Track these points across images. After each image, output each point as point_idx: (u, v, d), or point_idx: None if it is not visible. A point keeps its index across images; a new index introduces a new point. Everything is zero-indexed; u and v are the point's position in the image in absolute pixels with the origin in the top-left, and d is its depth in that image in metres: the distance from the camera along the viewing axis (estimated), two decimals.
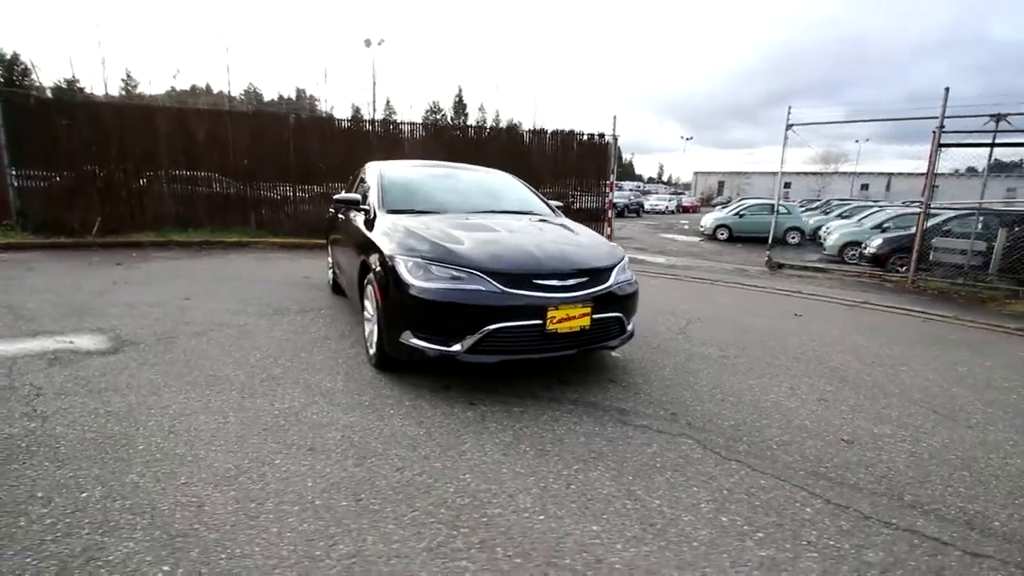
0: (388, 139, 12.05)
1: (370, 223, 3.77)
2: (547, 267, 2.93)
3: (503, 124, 11.33)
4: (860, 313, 6.05)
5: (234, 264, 7.70)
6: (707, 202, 52.44)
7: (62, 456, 2.21)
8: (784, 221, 16.60)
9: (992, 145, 8.33)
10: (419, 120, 10.42)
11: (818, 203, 27.55)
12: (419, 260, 2.89)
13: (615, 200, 14.06)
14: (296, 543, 1.73)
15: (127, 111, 10.57)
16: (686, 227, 22.03)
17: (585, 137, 12.35)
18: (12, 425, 2.47)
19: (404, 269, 2.90)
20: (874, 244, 10.76)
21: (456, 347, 2.79)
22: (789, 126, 10.17)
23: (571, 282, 2.94)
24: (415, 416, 2.72)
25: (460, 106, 61.97)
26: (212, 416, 2.65)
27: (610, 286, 3.08)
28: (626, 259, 3.41)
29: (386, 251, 3.08)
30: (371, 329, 3.46)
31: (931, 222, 10.56)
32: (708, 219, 18.37)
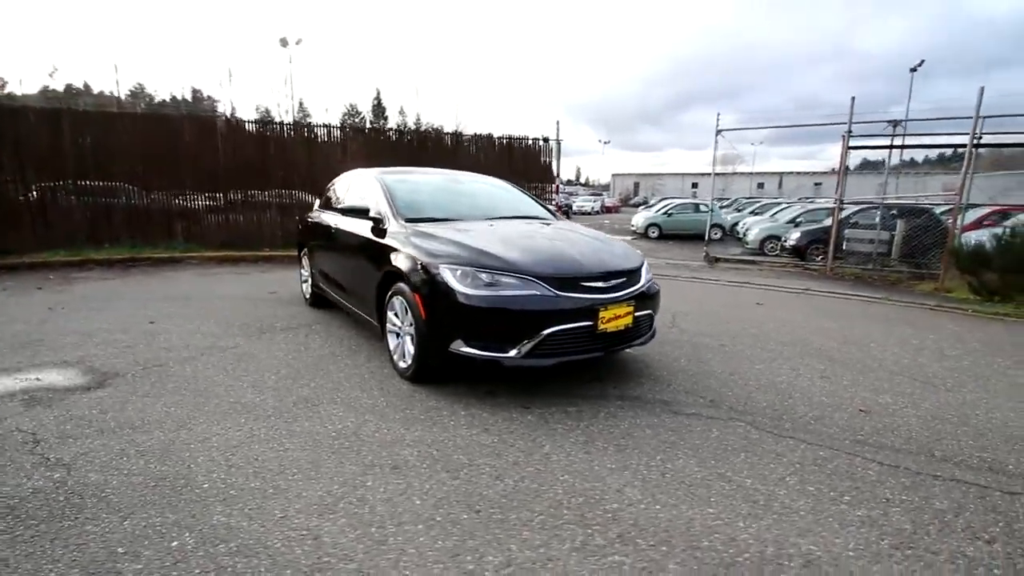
0: (328, 144, 11.56)
1: (380, 232, 3.66)
2: (591, 270, 3.03)
3: (429, 128, 11.17)
4: (809, 299, 6.75)
5: (177, 282, 7.04)
6: (626, 202, 55.26)
7: (119, 505, 1.97)
8: (707, 218, 17.97)
9: (890, 147, 9.64)
10: (336, 123, 10.03)
11: (727, 201, 30.00)
12: (467, 268, 2.87)
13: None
14: (443, 560, 1.69)
15: (22, 114, 9.25)
16: (615, 227, 23.08)
17: (530, 141, 12.61)
18: (32, 478, 2.15)
19: (452, 278, 2.87)
20: (793, 237, 11.96)
21: (512, 352, 2.81)
22: (719, 131, 11.06)
23: (613, 283, 3.07)
24: (478, 424, 2.71)
25: (379, 109, 60.36)
26: (266, 445, 2.47)
27: (643, 285, 3.25)
28: (646, 260, 3.60)
29: (426, 260, 3.02)
30: (399, 342, 3.37)
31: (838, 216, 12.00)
32: (639, 218, 19.41)
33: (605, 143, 67.96)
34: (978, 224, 10.92)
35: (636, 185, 63.93)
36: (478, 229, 3.48)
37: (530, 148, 12.60)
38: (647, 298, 3.24)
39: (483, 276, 2.85)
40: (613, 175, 66.82)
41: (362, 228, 3.92)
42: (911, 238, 9.64)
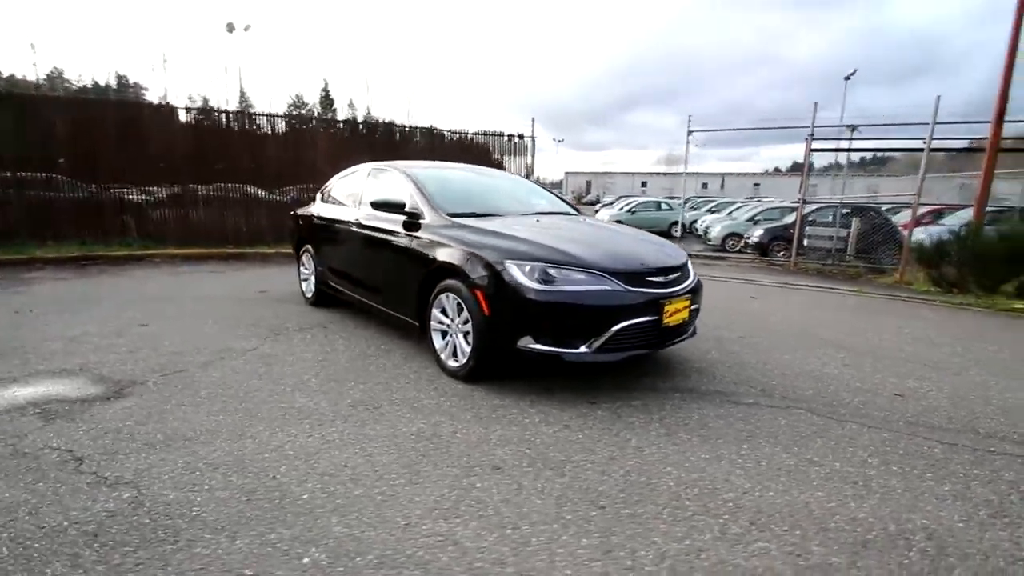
0: (296, 136, 11.05)
1: (414, 226, 3.55)
2: (653, 264, 3.06)
3: (396, 123, 10.75)
4: (792, 293, 7.14)
5: (149, 281, 6.52)
6: (579, 200, 56.24)
7: (219, 523, 1.80)
8: (668, 216, 18.62)
9: (849, 150, 10.36)
10: (282, 113, 9.44)
11: (679, 200, 31.15)
12: (537, 264, 2.83)
13: None
14: (597, 557, 1.66)
15: None
16: None
17: (506, 138, 12.59)
18: (97, 500, 1.93)
19: (521, 274, 2.82)
20: (756, 234, 12.59)
21: (583, 348, 2.80)
22: (690, 132, 11.47)
23: (672, 277, 3.12)
24: (555, 421, 2.68)
25: (327, 101, 58.21)
26: (346, 450, 2.34)
27: (694, 280, 3.32)
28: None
29: (488, 256, 2.95)
30: (447, 341, 3.28)
31: (792, 216, 12.80)
32: (603, 216, 19.82)
33: (559, 141, 68.85)
34: (917, 222, 11.97)
35: (588, 183, 65.17)
36: (526, 224, 3.44)
37: (506, 144, 12.57)
38: (696, 293, 3.32)
39: (553, 272, 2.82)
40: (566, 173, 67.81)
41: (391, 224, 3.78)
42: (865, 235, 10.41)
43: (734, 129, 11.55)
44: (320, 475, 2.13)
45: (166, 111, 10.54)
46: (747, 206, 17.39)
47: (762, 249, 12.30)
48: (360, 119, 11.46)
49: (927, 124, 7.91)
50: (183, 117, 10.32)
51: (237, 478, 2.10)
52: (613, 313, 2.79)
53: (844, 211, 11.24)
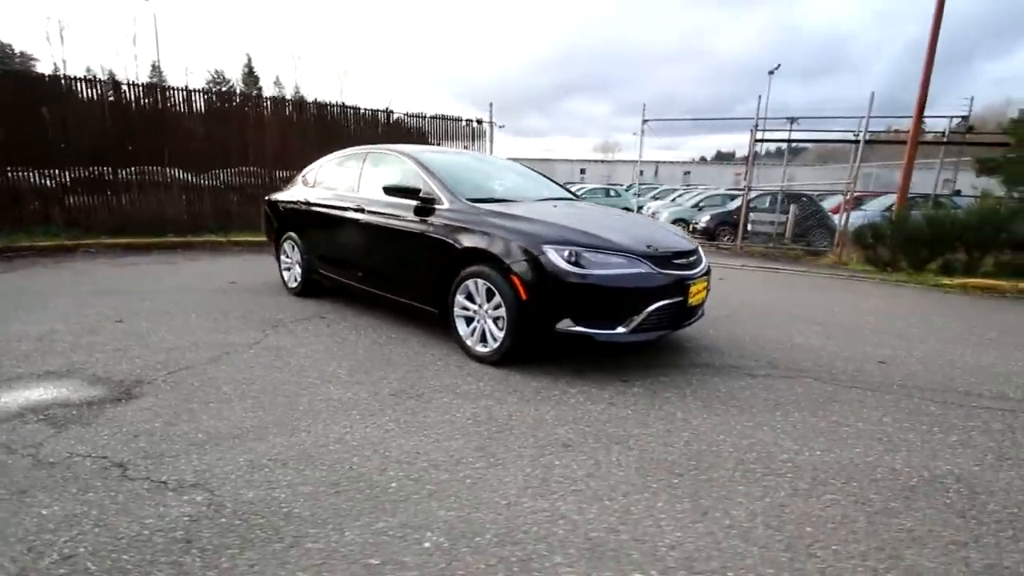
0: (229, 115, 10.27)
1: (427, 211, 3.51)
2: (675, 248, 3.22)
3: (308, 99, 10.25)
4: (752, 274, 7.66)
5: (95, 275, 5.96)
6: None
7: (318, 518, 1.75)
8: (617, 203, 19.20)
9: (789, 141, 11.17)
10: (200, 88, 8.69)
11: (623, 186, 32.16)
12: (575, 248, 2.90)
13: None
14: (697, 519, 1.78)
15: None
16: None
17: (464, 123, 12.43)
18: (170, 506, 1.81)
19: (560, 258, 2.87)
20: (704, 220, 13.31)
21: (620, 329, 2.91)
22: (645, 120, 11.88)
23: (691, 260, 3.29)
24: (599, 399, 2.78)
25: (251, 77, 54.46)
26: (412, 438, 2.31)
27: (706, 263, 3.52)
28: None
29: (522, 242, 2.98)
30: (474, 327, 3.29)
31: (735, 203, 13.68)
32: None
33: (500, 127, 68.45)
34: (838, 208, 13.15)
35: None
36: (547, 210, 3.49)
37: (464, 129, 12.42)
38: (708, 275, 3.53)
39: (591, 256, 2.89)
40: (509, 159, 67.74)
41: (401, 209, 3.69)
42: (801, 221, 11.34)
43: (686, 119, 12.35)
44: (398, 463, 2.10)
45: (72, 84, 9.41)
46: (689, 193, 18.29)
47: (709, 234, 13.03)
48: (289, 97, 10.76)
49: (862, 117, 8.70)
50: (93, 91, 9.24)
51: (313, 472, 2.03)
52: (648, 295, 2.92)
53: (781, 198, 12.16)
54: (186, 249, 8.32)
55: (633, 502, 1.89)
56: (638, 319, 2.91)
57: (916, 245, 7.11)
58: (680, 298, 3.07)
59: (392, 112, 11.74)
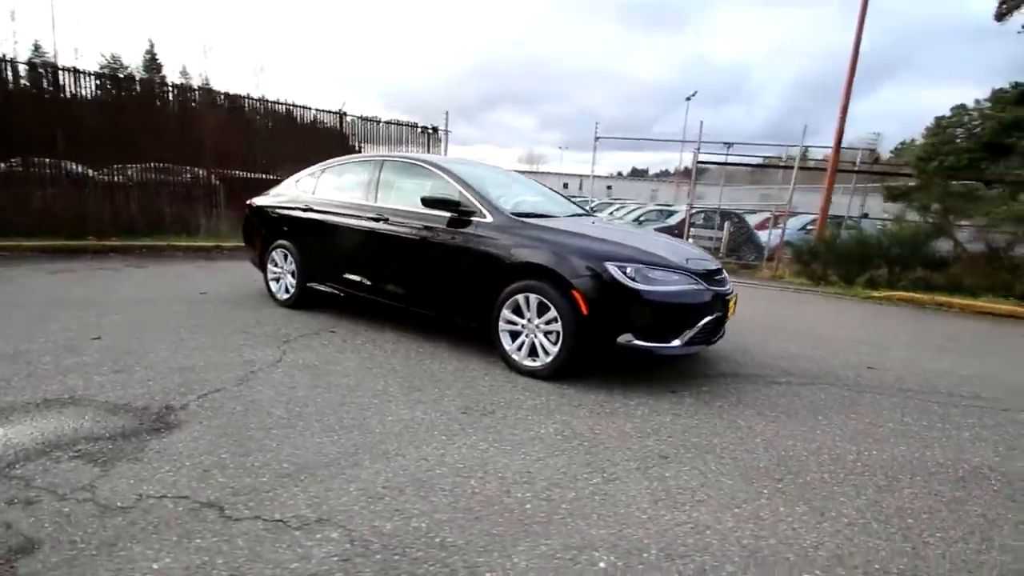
0: (157, 108, 9.38)
1: (464, 224, 3.48)
2: (712, 266, 3.43)
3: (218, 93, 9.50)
4: None
5: (29, 284, 5.19)
6: None
7: (472, 546, 1.68)
8: None
9: (726, 164, 12.17)
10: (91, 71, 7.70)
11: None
12: (636, 266, 3.00)
13: None
14: (816, 520, 1.93)
15: None
16: None
17: (419, 129, 12.22)
18: (303, 546, 1.66)
19: (622, 275, 2.96)
20: None
21: (676, 343, 3.05)
22: (597, 137, 12.42)
23: (722, 277, 3.52)
24: (662, 411, 2.87)
25: (153, 65, 49.76)
26: (511, 457, 2.27)
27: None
28: None
29: (587, 259, 3.03)
30: (521, 340, 3.29)
31: (673, 218, 14.66)
32: None
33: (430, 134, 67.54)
34: (762, 226, 14.54)
35: None
36: (589, 225, 3.58)
37: (419, 136, 12.21)
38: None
39: (648, 273, 3.01)
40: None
41: (433, 221, 3.61)
42: (734, 236, 12.38)
43: (635, 138, 12.78)
44: (516, 484, 2.07)
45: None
46: (626, 207, 19.23)
47: None
48: (198, 87, 10.04)
49: (794, 145, 9.71)
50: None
51: (438, 497, 1.94)
52: (700, 310, 3.10)
53: (718, 215, 13.20)
54: (122, 255, 7.44)
55: (757, 508, 2.00)
56: (690, 333, 3.07)
57: (847, 262, 8.06)
58: (721, 313, 3.28)
59: (346, 114, 11.30)
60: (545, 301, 3.14)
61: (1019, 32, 9.73)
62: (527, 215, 3.52)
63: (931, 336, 5.36)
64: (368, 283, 4.03)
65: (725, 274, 3.63)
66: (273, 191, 5.10)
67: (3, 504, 1.78)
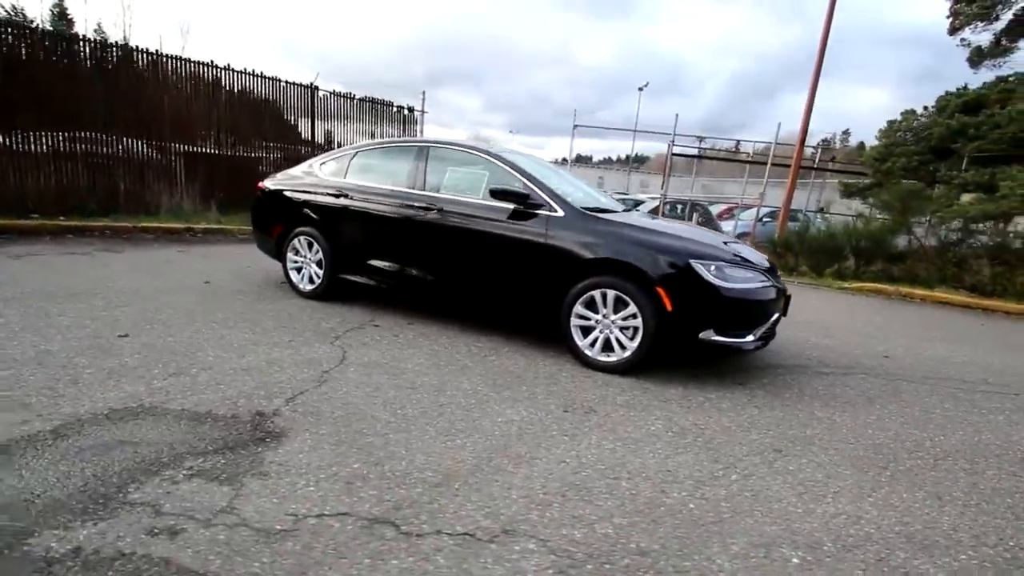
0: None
1: (527, 217, 3.43)
2: (766, 264, 3.57)
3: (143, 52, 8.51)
4: None
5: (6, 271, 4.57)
6: None
7: (686, 551, 1.71)
8: None
9: (698, 157, 12.63)
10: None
11: None
12: (719, 263, 3.08)
13: None
14: (942, 504, 2.11)
15: None
16: None
17: (395, 109, 11.74)
18: (511, 560, 1.61)
19: (707, 272, 3.03)
20: None
21: (749, 337, 3.17)
22: (576, 126, 12.47)
23: (777, 274, 3.68)
24: (746, 406, 2.98)
25: (62, 18, 44.46)
26: (642, 458, 2.30)
27: None
28: None
29: (672, 256, 3.07)
30: (596, 336, 3.30)
31: (644, 208, 15.08)
32: None
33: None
34: (720, 216, 15.29)
35: None
36: (655, 221, 3.63)
37: (395, 115, 11.74)
38: None
39: (727, 271, 3.10)
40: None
41: (495, 214, 3.53)
42: (703, 226, 12.95)
43: (615, 128, 12.90)
44: (666, 483, 2.09)
45: None
46: None
47: None
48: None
49: (769, 142, 10.23)
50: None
51: (603, 502, 1.93)
52: (771, 306, 3.24)
53: (689, 206, 13.73)
54: (83, 236, 6.68)
55: (884, 496, 2.15)
56: (762, 329, 3.21)
57: (819, 254, 8.66)
58: (782, 308, 3.44)
59: (318, 88, 10.63)
60: (623, 297, 3.16)
61: (958, 45, 10.72)
62: (592, 209, 3.51)
63: (912, 324, 5.90)
64: (414, 275, 3.88)
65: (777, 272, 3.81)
66: (284, 174, 4.76)
67: (145, 536, 1.59)
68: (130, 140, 8.44)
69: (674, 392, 3.08)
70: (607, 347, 3.28)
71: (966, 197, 9.01)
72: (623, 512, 1.88)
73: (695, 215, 13.17)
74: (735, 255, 3.25)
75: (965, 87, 9.99)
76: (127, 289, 4.25)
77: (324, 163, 4.46)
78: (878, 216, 9.09)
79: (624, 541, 1.73)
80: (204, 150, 9.24)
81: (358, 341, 3.49)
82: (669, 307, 3.06)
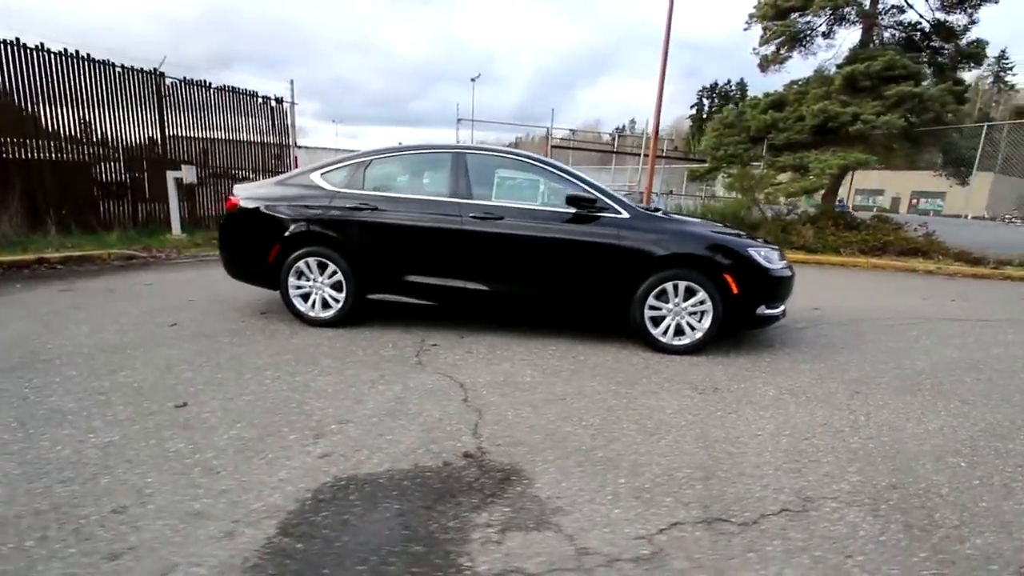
0: None
1: (589, 220, 3.64)
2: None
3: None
4: None
5: None
6: None
7: (978, 509, 2.17)
8: None
9: (581, 149, 13.67)
10: None
11: None
12: (765, 249, 3.67)
13: None
14: (990, 488, 2.97)
15: None
16: None
17: (260, 100, 10.30)
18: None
19: (759, 257, 3.60)
20: None
21: (782, 308, 3.85)
22: (459, 120, 12.48)
23: None
24: (809, 374, 3.41)
25: None
26: (808, 428, 2.73)
27: None
28: None
29: (734, 247, 3.59)
30: (669, 323, 3.65)
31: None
32: None
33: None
34: None
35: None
36: (690, 218, 4.10)
37: (260, 107, 10.31)
38: None
39: (767, 253, 3.70)
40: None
41: (554, 220, 3.64)
42: None
43: (501, 123, 13.19)
44: (844, 432, 2.56)
45: None
46: None
47: None
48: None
49: (646, 137, 11.61)
50: None
51: (868, 463, 2.29)
52: (792, 281, 3.95)
53: None
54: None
55: (958, 410, 2.91)
56: (787, 300, 3.92)
57: None
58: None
59: (164, 75, 8.78)
60: (693, 286, 3.57)
61: (751, 53, 13.44)
62: (647, 210, 3.83)
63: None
64: (481, 288, 3.73)
65: None
66: (263, 187, 4.09)
67: None
68: None
69: (737, 363, 3.57)
70: (678, 332, 3.66)
71: (782, 176, 11.55)
72: (851, 460, 2.29)
73: None
74: (765, 242, 3.89)
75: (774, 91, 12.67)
76: (142, 340, 3.24)
77: (327, 173, 3.92)
78: (723, 196, 11.10)
79: (932, 492, 2.10)
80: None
81: (447, 364, 3.28)
82: (735, 290, 3.56)
